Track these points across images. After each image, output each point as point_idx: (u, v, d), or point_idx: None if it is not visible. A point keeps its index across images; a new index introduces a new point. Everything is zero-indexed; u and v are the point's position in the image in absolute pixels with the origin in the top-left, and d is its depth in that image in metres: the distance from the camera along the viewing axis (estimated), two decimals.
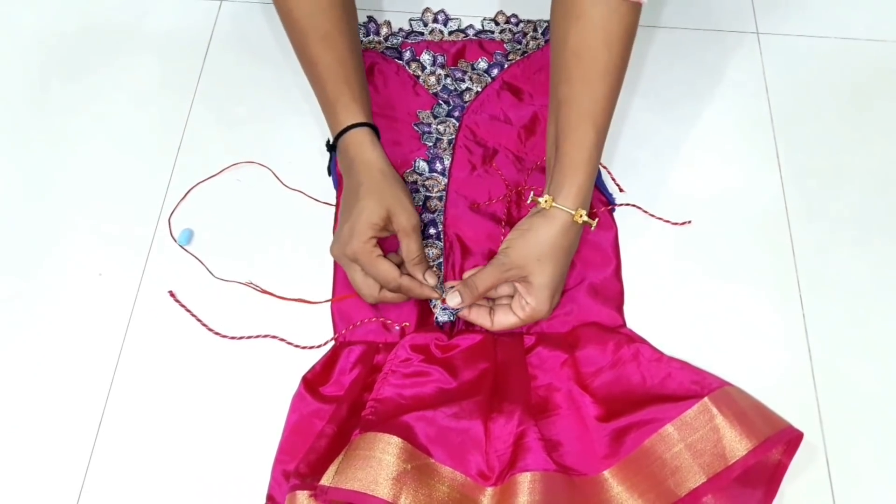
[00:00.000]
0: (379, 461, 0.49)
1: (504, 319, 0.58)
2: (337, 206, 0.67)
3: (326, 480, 0.48)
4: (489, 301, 0.60)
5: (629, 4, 0.55)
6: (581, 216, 0.56)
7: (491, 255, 0.64)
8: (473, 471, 0.52)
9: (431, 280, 0.58)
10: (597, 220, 0.58)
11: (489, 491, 0.51)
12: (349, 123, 0.60)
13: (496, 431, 0.53)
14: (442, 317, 0.61)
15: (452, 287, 0.58)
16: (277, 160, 0.71)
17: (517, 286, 0.58)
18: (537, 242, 0.56)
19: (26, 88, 0.75)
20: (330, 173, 0.69)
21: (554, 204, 0.56)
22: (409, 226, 0.57)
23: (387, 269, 0.57)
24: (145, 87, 0.75)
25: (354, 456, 0.49)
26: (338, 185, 0.68)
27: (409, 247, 0.58)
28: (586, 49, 0.56)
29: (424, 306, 0.62)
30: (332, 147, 0.63)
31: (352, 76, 0.61)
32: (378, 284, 0.58)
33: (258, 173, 0.70)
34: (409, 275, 0.58)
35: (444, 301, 0.58)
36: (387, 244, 0.62)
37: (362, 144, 0.59)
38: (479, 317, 0.58)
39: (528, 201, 0.58)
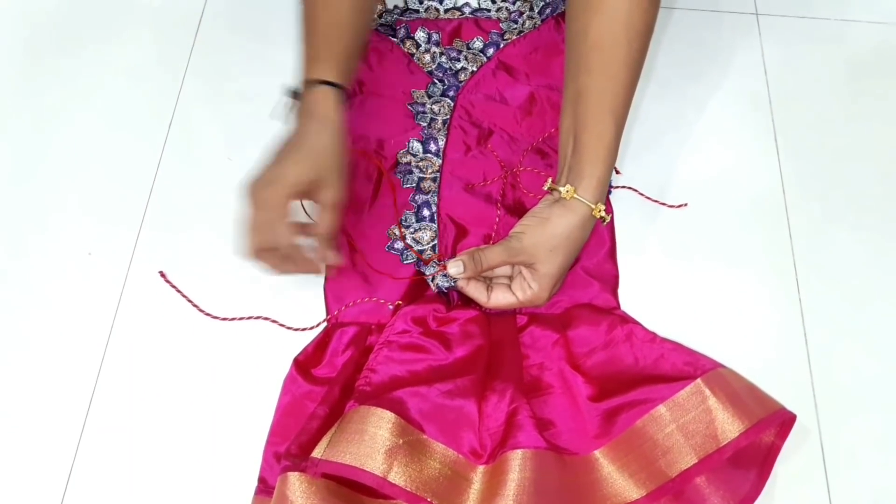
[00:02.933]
0: (372, 436, 0.49)
1: (502, 298, 0.57)
2: None
3: (318, 453, 0.48)
4: (486, 280, 0.59)
5: (650, 0, 0.56)
6: (600, 211, 0.55)
7: (486, 236, 0.64)
8: (466, 448, 0.51)
9: (332, 258, 0.57)
10: (610, 216, 0.58)
11: (481, 469, 0.51)
12: (320, 78, 0.57)
13: (488, 410, 0.53)
14: (442, 282, 0.61)
15: (455, 259, 0.57)
16: (270, 139, 0.70)
17: (522, 270, 0.57)
18: (553, 234, 0.55)
19: (15, 63, 0.74)
20: None
21: (575, 196, 0.55)
22: (332, 202, 0.55)
23: (283, 233, 0.54)
24: (136, 62, 0.74)
25: (347, 430, 0.49)
26: None
27: (324, 220, 0.56)
28: (608, 41, 0.56)
29: (417, 288, 0.62)
30: (296, 95, 0.59)
31: (335, 37, 0.59)
32: (260, 239, 0.54)
33: (249, 152, 0.69)
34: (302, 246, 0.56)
35: (443, 268, 0.58)
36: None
37: (326, 101, 0.57)
38: (475, 290, 0.58)
39: (546, 187, 0.57)
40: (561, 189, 0.56)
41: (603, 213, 0.56)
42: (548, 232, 0.55)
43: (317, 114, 0.56)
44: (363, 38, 0.63)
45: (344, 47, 0.59)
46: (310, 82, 0.57)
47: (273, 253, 0.55)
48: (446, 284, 0.61)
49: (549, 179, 0.58)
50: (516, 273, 0.58)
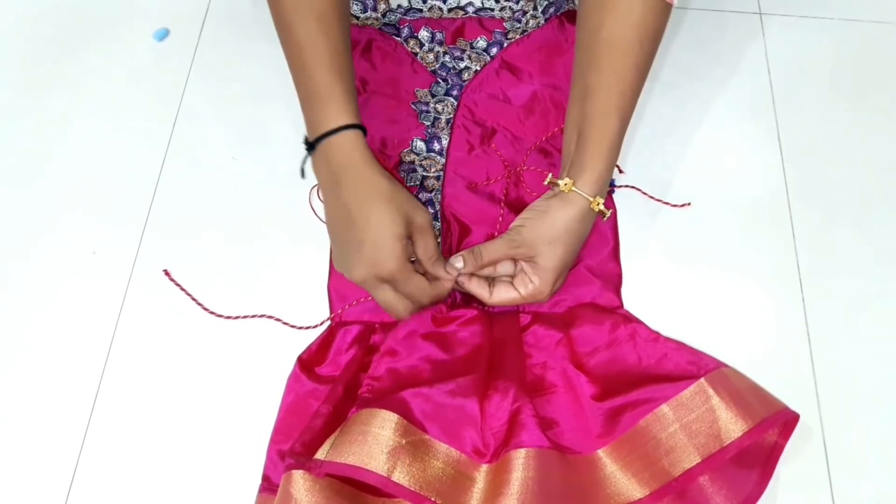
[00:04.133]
0: (375, 436, 0.49)
1: (504, 294, 0.57)
2: None
3: (321, 454, 0.48)
4: (489, 279, 0.60)
5: (662, 4, 0.56)
6: (598, 204, 0.55)
7: (489, 235, 0.64)
8: (469, 447, 0.52)
9: (455, 268, 0.56)
10: (611, 211, 0.58)
11: (484, 468, 0.51)
12: (342, 123, 0.53)
13: (491, 409, 0.53)
14: None
15: (455, 255, 0.57)
16: (274, 139, 0.70)
17: (523, 265, 0.57)
18: (552, 225, 0.55)
19: (18, 64, 0.74)
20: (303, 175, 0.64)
21: (574, 188, 0.55)
22: (425, 223, 0.54)
23: (423, 284, 0.53)
24: (140, 62, 0.74)
25: (350, 431, 0.49)
26: None
27: (426, 245, 0.54)
28: (620, 41, 0.56)
29: None
30: (310, 146, 0.55)
31: (345, 68, 0.55)
32: (406, 306, 0.54)
33: (254, 151, 0.69)
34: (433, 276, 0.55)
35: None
36: None
37: (357, 149, 0.53)
38: (478, 287, 0.58)
39: (546, 182, 0.58)
40: (560, 182, 0.56)
41: (601, 207, 0.56)
42: (546, 224, 0.55)
43: (354, 165, 0.53)
44: (352, 56, 0.59)
45: (350, 78, 0.56)
46: (329, 132, 0.53)
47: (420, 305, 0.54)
48: None
49: (550, 174, 0.58)
50: (518, 270, 0.58)
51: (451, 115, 0.70)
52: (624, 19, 0.56)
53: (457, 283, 0.58)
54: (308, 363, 0.58)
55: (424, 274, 0.55)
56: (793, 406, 0.54)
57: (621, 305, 0.62)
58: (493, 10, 0.76)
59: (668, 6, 0.57)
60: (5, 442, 0.57)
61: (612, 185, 0.67)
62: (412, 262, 0.54)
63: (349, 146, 0.53)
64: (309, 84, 0.55)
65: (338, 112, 0.53)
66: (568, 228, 0.55)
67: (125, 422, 0.57)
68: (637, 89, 0.57)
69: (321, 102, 0.54)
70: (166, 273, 0.63)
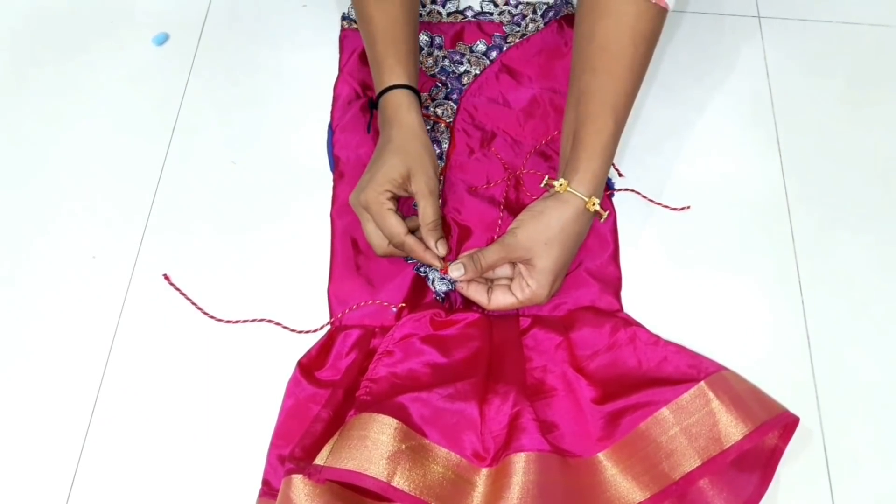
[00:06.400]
0: (374, 441, 0.49)
1: (502, 299, 0.57)
2: (334, 189, 0.67)
3: (321, 460, 0.48)
4: (488, 281, 0.60)
5: (657, 8, 0.57)
6: (594, 204, 0.56)
7: (489, 238, 0.64)
8: (468, 451, 0.52)
9: (442, 249, 0.58)
10: (607, 213, 0.58)
11: (484, 471, 0.51)
12: (391, 84, 0.62)
13: (491, 412, 0.53)
14: (440, 286, 0.61)
15: (455, 262, 0.57)
16: (273, 143, 0.70)
17: (520, 268, 0.57)
18: (548, 226, 0.55)
19: (18, 68, 0.75)
20: (329, 153, 0.69)
21: (569, 188, 0.55)
22: (426, 189, 0.58)
23: (392, 223, 0.57)
24: (140, 66, 0.74)
25: (349, 436, 0.49)
26: (334, 166, 0.68)
27: (424, 210, 0.58)
28: (614, 44, 0.57)
29: (419, 288, 0.62)
30: (373, 105, 0.65)
31: (400, 38, 0.63)
32: (378, 243, 0.59)
33: (253, 156, 0.70)
34: (418, 238, 0.58)
35: (444, 271, 0.58)
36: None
37: (400, 105, 0.61)
38: (476, 293, 0.58)
39: (542, 184, 0.58)
40: (556, 183, 0.56)
41: (597, 208, 0.56)
42: (542, 224, 0.56)
43: (394, 119, 0.61)
44: (417, 30, 0.66)
45: (405, 46, 0.63)
46: (384, 90, 0.62)
47: (399, 250, 0.59)
48: (444, 289, 0.61)
49: (546, 177, 0.58)
50: (516, 273, 0.58)
51: (451, 119, 0.70)
52: (617, 23, 0.56)
53: (456, 288, 0.59)
54: (308, 367, 0.58)
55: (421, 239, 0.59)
56: (793, 409, 0.54)
57: (621, 309, 0.62)
58: (491, 14, 0.76)
59: (663, 10, 0.57)
60: (5, 447, 0.57)
61: (611, 188, 0.67)
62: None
63: (395, 102, 0.61)
64: (372, 53, 0.64)
65: (389, 74, 0.62)
66: (563, 228, 0.55)
67: (125, 426, 0.57)
68: (632, 91, 0.58)
69: (379, 67, 0.63)
70: (166, 278, 0.63)
